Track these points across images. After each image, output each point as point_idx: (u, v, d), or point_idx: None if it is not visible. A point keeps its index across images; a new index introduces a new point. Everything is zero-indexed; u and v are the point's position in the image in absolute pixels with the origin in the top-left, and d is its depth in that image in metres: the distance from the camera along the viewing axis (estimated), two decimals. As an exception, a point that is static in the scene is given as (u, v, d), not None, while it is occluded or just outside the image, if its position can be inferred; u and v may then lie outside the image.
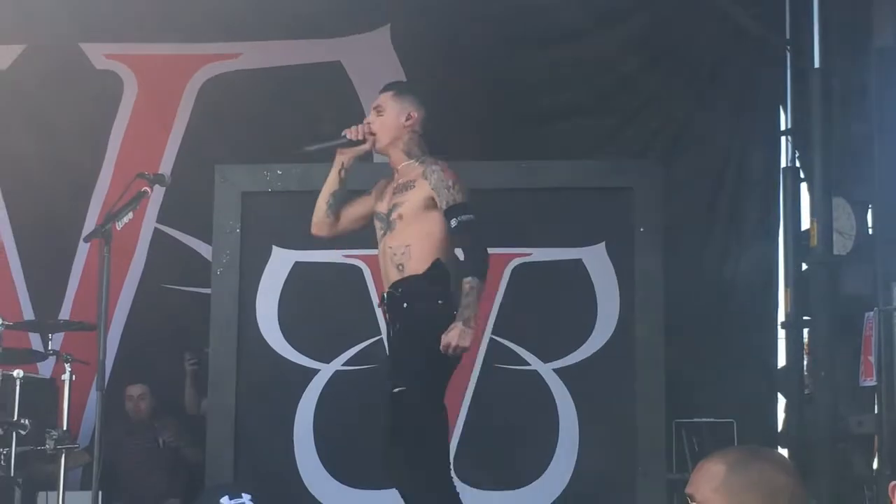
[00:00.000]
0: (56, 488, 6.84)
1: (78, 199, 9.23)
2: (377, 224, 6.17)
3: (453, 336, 5.80)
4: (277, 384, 7.85)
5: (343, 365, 7.69)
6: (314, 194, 6.38)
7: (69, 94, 9.19)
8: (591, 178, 8.02)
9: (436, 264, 5.98)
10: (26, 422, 6.59)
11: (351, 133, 6.13)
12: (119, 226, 6.13)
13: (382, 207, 6.15)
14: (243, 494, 7.40)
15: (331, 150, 6.23)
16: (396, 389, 5.91)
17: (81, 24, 9.07)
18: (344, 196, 6.28)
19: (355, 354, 7.68)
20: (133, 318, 9.20)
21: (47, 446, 6.71)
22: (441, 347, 5.82)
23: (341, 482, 7.60)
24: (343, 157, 6.20)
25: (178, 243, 9.26)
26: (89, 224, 9.04)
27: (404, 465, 5.89)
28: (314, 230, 6.37)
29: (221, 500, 7.39)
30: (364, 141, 6.14)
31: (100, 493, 5.99)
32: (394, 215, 6.06)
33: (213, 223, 8.02)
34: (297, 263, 7.85)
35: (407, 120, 6.15)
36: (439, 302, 5.99)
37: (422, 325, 5.95)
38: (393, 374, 6.05)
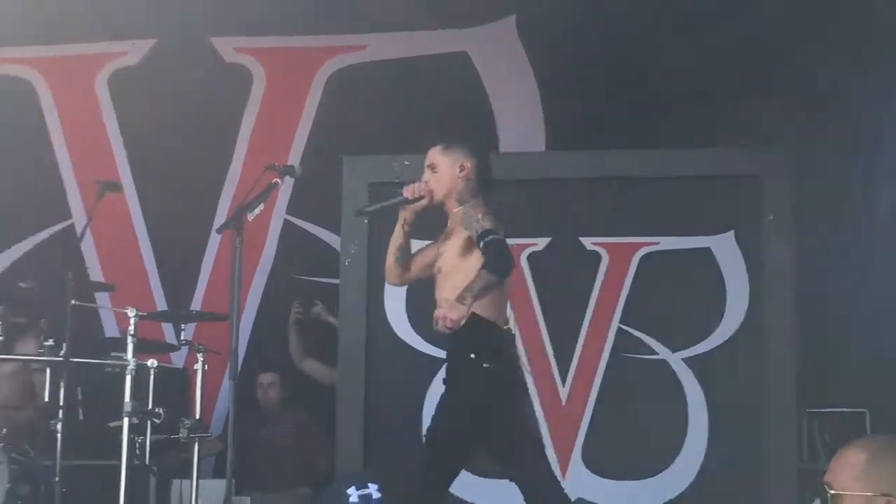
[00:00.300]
0: (189, 476, 6.95)
1: (209, 192, 9.38)
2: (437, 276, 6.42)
3: (444, 309, 5.92)
4: (406, 373, 7.91)
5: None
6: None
7: (200, 88, 9.32)
8: (719, 166, 7.98)
9: (473, 321, 6.00)
10: (160, 411, 6.69)
11: (408, 192, 6.33)
12: (250, 217, 6.23)
13: (436, 261, 6.40)
14: (370, 485, 7.47)
15: (391, 209, 6.43)
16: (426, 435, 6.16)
17: (211, 18, 9.21)
18: (409, 248, 6.49)
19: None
20: (264, 307, 9.32)
21: (181, 435, 6.81)
22: (433, 320, 5.96)
23: (469, 471, 7.64)
24: (405, 214, 6.41)
25: (307, 234, 9.37)
26: (220, 216, 9.19)
27: None
28: (387, 279, 6.68)
29: (348, 491, 7.48)
30: (423, 197, 6.33)
31: (233, 480, 6.07)
32: (436, 268, 6.35)
33: (342, 214, 8.10)
34: (422, 252, 7.93)
35: (461, 171, 6.33)
36: (484, 366, 6.05)
37: (461, 385, 6.10)
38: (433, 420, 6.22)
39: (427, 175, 6.36)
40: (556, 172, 8.03)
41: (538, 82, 9.08)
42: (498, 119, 9.05)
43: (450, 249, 6.25)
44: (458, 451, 6.06)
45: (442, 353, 7.79)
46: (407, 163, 7.88)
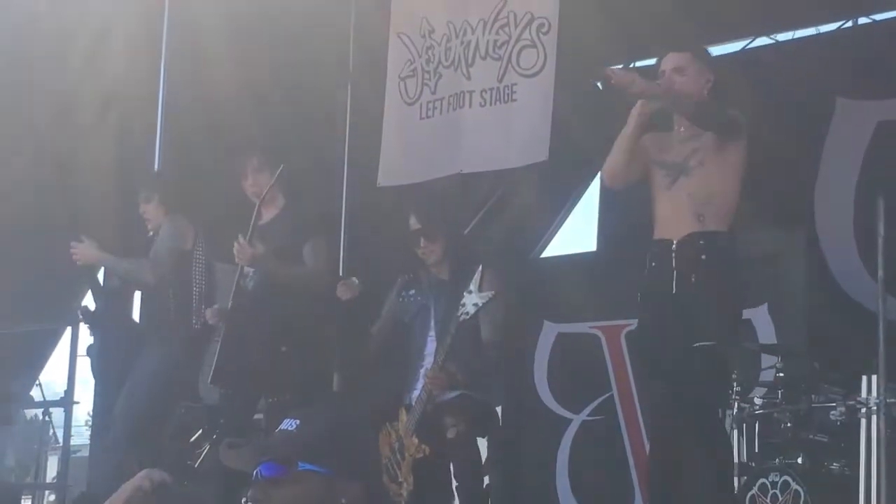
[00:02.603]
0: None
1: None
2: (658, 171, 6.34)
3: None
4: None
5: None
6: None
7: None
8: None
9: (734, 224, 6.24)
10: None
11: (656, 87, 6.23)
12: None
13: (670, 156, 6.33)
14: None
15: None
16: (699, 344, 6.01)
17: None
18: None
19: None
20: None
21: None
22: None
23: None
24: (645, 108, 6.20)
25: None
26: None
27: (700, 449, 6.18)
28: (610, 181, 6.63)
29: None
30: (664, 96, 6.24)
31: None
32: (693, 161, 6.22)
33: None
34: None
35: (706, 83, 6.34)
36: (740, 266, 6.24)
37: (723, 285, 6.12)
38: (687, 331, 6.08)
39: (669, 76, 6.28)
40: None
41: None
42: None
43: (707, 144, 6.20)
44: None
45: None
46: None
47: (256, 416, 7.80)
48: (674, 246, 6.19)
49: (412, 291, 7.55)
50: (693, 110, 6.22)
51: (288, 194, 7.75)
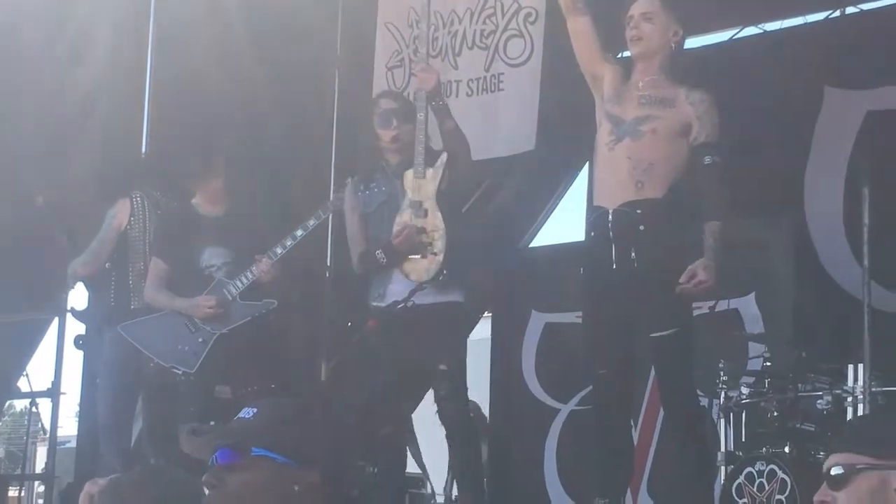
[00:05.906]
0: None
1: None
2: (606, 125, 6.04)
3: (699, 268, 5.67)
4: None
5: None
6: None
7: None
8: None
9: (673, 188, 5.87)
10: None
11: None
12: None
13: (622, 112, 5.99)
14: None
15: None
16: (658, 335, 5.81)
17: None
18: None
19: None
20: None
21: None
22: (683, 276, 5.69)
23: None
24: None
25: None
26: None
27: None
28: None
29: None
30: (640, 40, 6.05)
31: None
32: (645, 127, 5.88)
33: None
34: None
35: (674, 35, 6.05)
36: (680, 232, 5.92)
37: (667, 260, 5.80)
38: (638, 314, 5.90)
39: (638, 22, 6.03)
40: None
41: None
42: None
43: (669, 119, 5.90)
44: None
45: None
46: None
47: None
48: (610, 216, 5.93)
49: (373, 184, 6.87)
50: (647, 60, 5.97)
51: (233, 195, 7.50)
